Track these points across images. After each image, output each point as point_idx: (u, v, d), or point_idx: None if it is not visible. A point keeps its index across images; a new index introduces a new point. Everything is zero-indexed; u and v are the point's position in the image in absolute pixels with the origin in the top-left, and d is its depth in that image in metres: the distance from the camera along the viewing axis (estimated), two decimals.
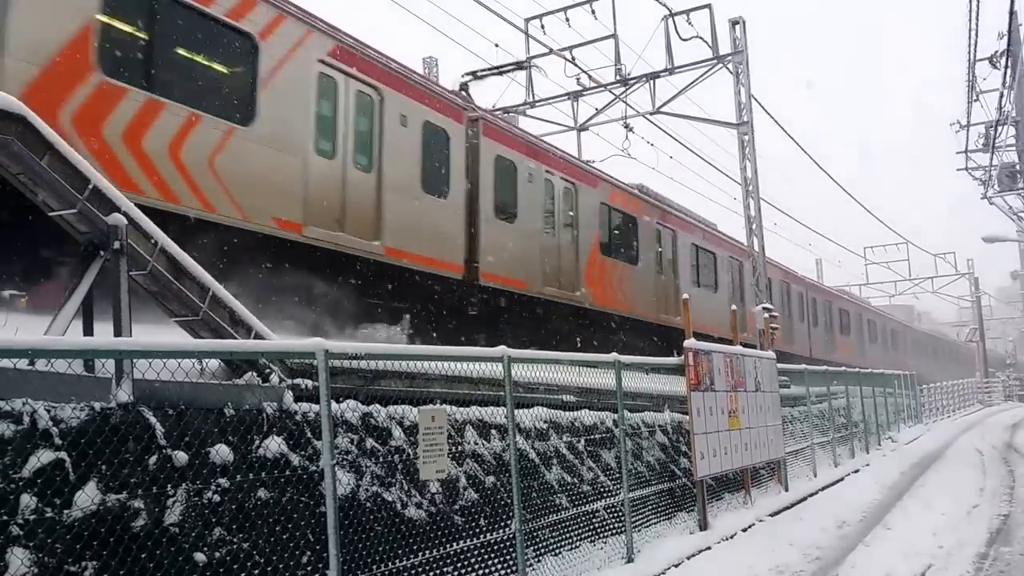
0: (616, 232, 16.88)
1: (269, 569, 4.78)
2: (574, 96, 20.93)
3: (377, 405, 6.13)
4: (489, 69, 18.23)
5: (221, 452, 4.81)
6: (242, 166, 8.77)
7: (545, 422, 7.92)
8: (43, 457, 4.00)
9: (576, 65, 20.00)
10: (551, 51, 19.75)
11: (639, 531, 8.22)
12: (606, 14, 19.39)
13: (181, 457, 4.59)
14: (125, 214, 5.16)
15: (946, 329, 69.02)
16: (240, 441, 4.96)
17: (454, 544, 6.03)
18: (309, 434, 5.45)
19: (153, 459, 4.46)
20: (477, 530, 6.35)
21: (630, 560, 7.61)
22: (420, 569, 5.67)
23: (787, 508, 10.96)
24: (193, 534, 4.48)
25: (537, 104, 20.88)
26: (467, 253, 12.35)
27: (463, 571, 6.06)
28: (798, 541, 8.75)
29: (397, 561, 5.50)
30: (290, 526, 4.99)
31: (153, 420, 4.56)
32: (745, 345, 12.17)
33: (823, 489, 12.78)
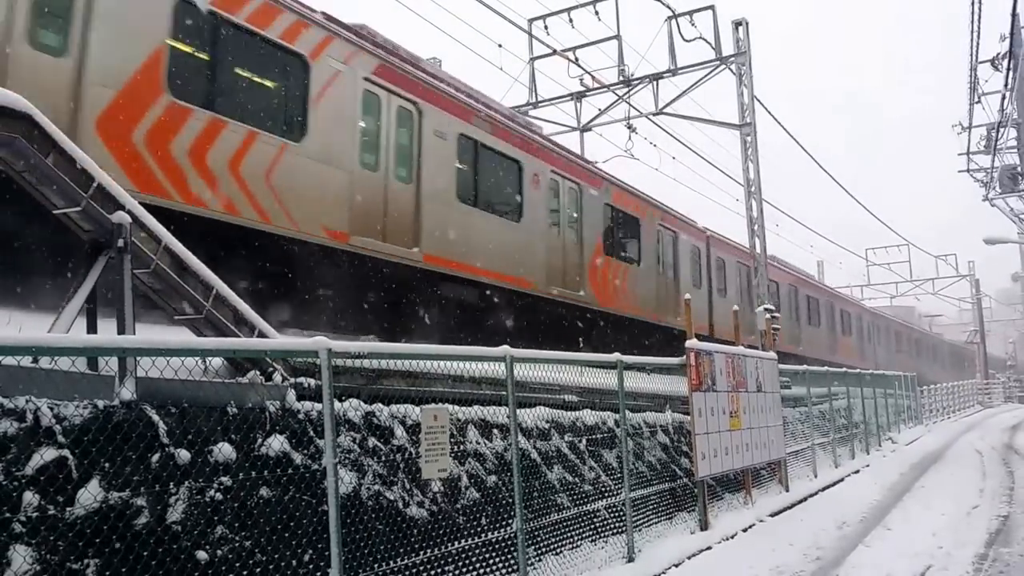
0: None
1: (271, 567, 4.79)
2: (577, 97, 20.95)
3: (379, 404, 6.14)
4: None
5: (224, 450, 4.83)
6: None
7: (547, 422, 7.94)
8: (46, 455, 4.02)
9: (579, 66, 20.01)
10: (554, 52, 19.76)
11: (640, 531, 8.23)
12: (609, 15, 19.43)
13: (184, 455, 4.60)
14: (129, 212, 5.17)
15: (928, 324, 63.84)
16: (243, 439, 4.97)
17: (456, 543, 6.04)
18: (312, 433, 5.46)
19: (156, 457, 4.48)
20: (478, 529, 6.36)
21: (631, 560, 7.62)
22: (421, 568, 5.68)
23: (787, 508, 10.96)
24: (195, 532, 4.49)
25: (540, 104, 20.92)
26: None
27: (464, 570, 6.07)
28: (798, 541, 8.76)
29: (399, 560, 5.50)
30: (292, 524, 5.00)
31: (156, 418, 4.58)
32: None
33: (823, 490, 12.79)
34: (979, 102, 24.02)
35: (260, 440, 5.12)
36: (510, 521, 6.43)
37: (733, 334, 12.19)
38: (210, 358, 5.41)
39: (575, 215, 15.13)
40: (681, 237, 19.39)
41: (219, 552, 4.58)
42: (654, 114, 19.58)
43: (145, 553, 4.17)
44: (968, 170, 27.33)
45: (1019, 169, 24.72)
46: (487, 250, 12.35)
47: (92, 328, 5.17)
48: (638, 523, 8.26)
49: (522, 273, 13.16)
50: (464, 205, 12.09)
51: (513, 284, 12.91)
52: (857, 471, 15.11)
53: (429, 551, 5.79)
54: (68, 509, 4.00)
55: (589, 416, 8.73)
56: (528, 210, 13.64)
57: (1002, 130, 23.80)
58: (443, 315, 11.48)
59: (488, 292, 12.39)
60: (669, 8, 18.59)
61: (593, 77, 20.30)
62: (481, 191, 12.71)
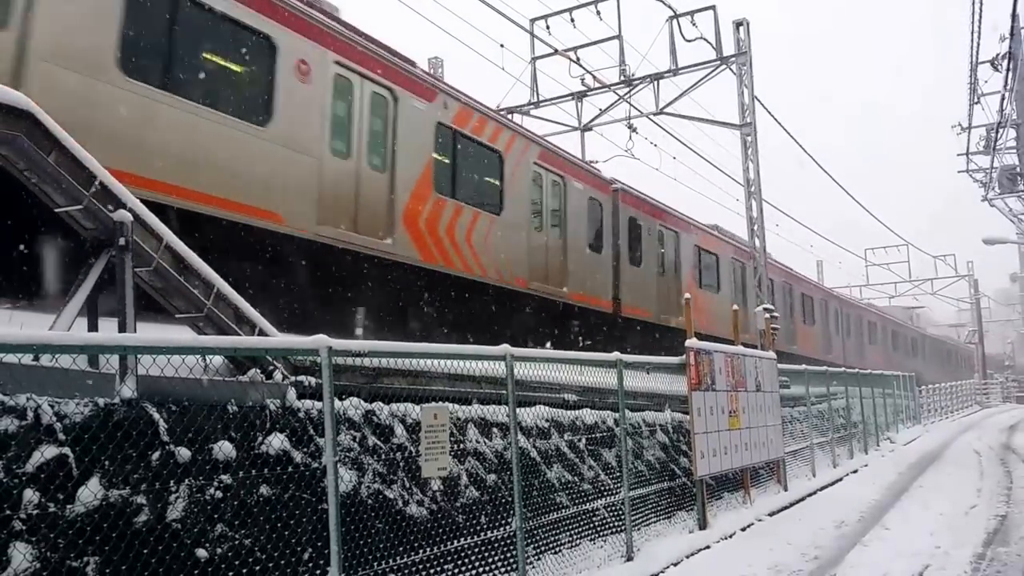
0: None
1: (271, 565, 4.80)
2: (578, 96, 20.97)
3: (380, 403, 6.15)
4: None
5: (224, 448, 4.84)
6: None
7: (547, 421, 7.95)
8: (46, 452, 4.02)
9: (581, 66, 20.05)
10: (556, 51, 19.78)
11: (639, 530, 8.24)
12: (611, 15, 19.49)
13: (184, 453, 4.61)
14: (131, 211, 5.18)
15: (910, 317, 55.21)
16: (243, 438, 4.98)
17: (455, 541, 6.06)
18: (312, 431, 5.47)
19: (156, 455, 4.48)
20: (478, 528, 6.37)
21: (630, 558, 7.64)
22: (421, 566, 5.69)
23: (786, 508, 10.99)
24: (195, 530, 4.50)
25: (541, 104, 20.94)
26: None
27: (463, 568, 6.08)
28: (797, 540, 8.77)
29: (398, 558, 5.52)
30: (292, 523, 5.01)
31: (156, 416, 4.58)
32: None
33: (822, 489, 12.82)
34: (979, 103, 24.07)
35: (260, 438, 5.13)
36: (509, 520, 6.44)
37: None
38: (211, 356, 5.42)
39: (380, 131, 10.62)
40: (572, 184, 14.81)
41: (219, 550, 4.59)
42: (655, 114, 19.59)
43: (145, 551, 4.18)
44: (967, 170, 27.39)
45: (1018, 170, 24.77)
46: (192, 159, 8.17)
47: (93, 326, 5.18)
48: (637, 522, 8.28)
49: (270, 203, 8.97)
50: (131, 81, 7.66)
51: (251, 217, 8.75)
52: (855, 471, 15.14)
53: (428, 549, 5.80)
54: (68, 507, 4.00)
55: (588, 415, 8.74)
56: (285, 112, 9.20)
57: (1001, 131, 23.84)
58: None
59: (192, 223, 7.78)
60: (670, 8, 18.62)
61: (594, 77, 20.32)
62: (178, 66, 8.30)
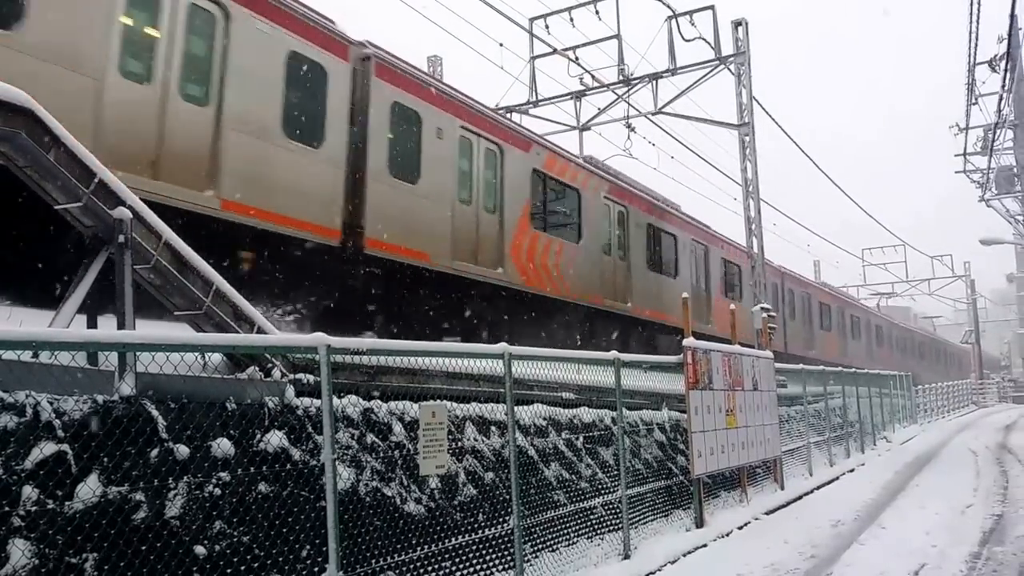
0: None
1: (269, 562, 4.81)
2: (577, 96, 20.98)
3: (378, 400, 6.16)
4: None
5: (222, 446, 4.84)
6: None
7: (544, 419, 7.97)
8: (45, 449, 4.02)
9: (579, 65, 20.08)
10: (555, 51, 19.80)
11: (636, 528, 8.26)
12: (610, 15, 19.48)
13: (183, 450, 4.61)
14: (130, 208, 5.18)
15: (878, 304, 48.67)
16: (241, 435, 4.98)
17: (453, 539, 6.07)
18: (310, 429, 5.48)
19: (155, 452, 4.49)
20: (476, 526, 6.39)
21: (627, 557, 7.66)
22: (419, 564, 5.71)
23: (783, 506, 11.02)
24: (194, 527, 4.51)
25: (540, 103, 20.95)
26: None
27: (461, 566, 6.10)
28: (793, 539, 8.80)
29: (396, 556, 5.53)
30: (290, 520, 5.02)
31: (155, 413, 4.59)
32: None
33: (818, 488, 12.85)
34: (976, 103, 24.14)
35: (259, 436, 5.13)
36: (507, 518, 6.46)
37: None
38: (209, 354, 5.43)
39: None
40: (247, 23, 8.92)
41: (217, 547, 4.60)
42: (653, 113, 19.60)
43: (143, 547, 4.19)
44: (965, 171, 27.47)
45: (1015, 170, 24.85)
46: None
47: (92, 323, 5.18)
48: (634, 520, 8.30)
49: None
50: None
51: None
52: (852, 470, 15.18)
53: (426, 547, 5.81)
54: (67, 503, 4.01)
55: (586, 414, 8.76)
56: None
57: (999, 131, 23.92)
58: None
59: None
60: (669, 8, 18.63)
61: (593, 76, 20.33)
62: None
